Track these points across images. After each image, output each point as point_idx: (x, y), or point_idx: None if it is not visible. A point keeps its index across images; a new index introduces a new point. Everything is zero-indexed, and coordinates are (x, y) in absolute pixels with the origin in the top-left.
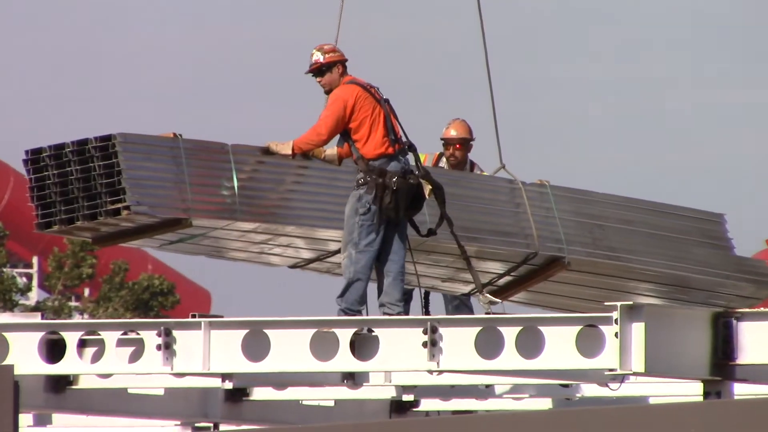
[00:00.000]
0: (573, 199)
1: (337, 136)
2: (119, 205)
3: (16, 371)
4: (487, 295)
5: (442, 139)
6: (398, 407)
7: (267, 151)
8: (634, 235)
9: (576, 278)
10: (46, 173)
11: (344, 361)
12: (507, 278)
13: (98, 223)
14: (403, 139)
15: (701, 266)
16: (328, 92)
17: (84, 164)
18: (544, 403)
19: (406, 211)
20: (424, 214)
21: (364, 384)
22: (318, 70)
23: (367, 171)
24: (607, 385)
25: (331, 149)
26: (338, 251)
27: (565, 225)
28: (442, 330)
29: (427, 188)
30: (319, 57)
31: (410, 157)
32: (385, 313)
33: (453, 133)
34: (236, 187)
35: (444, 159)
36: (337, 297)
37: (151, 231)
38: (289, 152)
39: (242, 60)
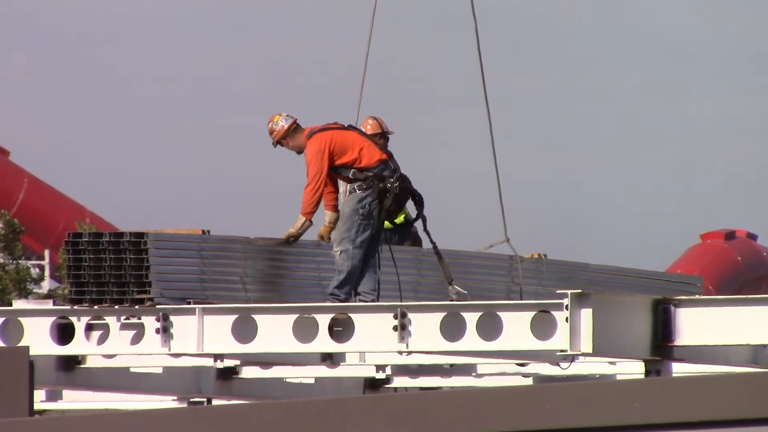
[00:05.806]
0: (563, 271)
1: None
2: (144, 296)
3: (31, 352)
4: (456, 286)
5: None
6: (371, 384)
7: (287, 239)
8: None
9: None
10: (83, 256)
11: (323, 343)
12: None
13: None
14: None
15: None
16: (299, 152)
17: (117, 254)
18: (502, 381)
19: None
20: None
21: (341, 363)
22: (284, 137)
23: (367, 177)
24: (559, 365)
25: (328, 216)
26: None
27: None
28: (411, 315)
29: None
30: (282, 125)
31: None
32: (361, 300)
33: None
34: (253, 277)
35: None
36: (334, 287)
37: None
38: (304, 222)
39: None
